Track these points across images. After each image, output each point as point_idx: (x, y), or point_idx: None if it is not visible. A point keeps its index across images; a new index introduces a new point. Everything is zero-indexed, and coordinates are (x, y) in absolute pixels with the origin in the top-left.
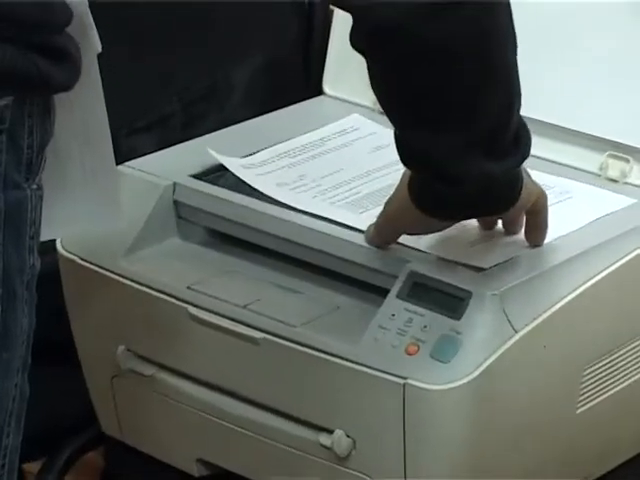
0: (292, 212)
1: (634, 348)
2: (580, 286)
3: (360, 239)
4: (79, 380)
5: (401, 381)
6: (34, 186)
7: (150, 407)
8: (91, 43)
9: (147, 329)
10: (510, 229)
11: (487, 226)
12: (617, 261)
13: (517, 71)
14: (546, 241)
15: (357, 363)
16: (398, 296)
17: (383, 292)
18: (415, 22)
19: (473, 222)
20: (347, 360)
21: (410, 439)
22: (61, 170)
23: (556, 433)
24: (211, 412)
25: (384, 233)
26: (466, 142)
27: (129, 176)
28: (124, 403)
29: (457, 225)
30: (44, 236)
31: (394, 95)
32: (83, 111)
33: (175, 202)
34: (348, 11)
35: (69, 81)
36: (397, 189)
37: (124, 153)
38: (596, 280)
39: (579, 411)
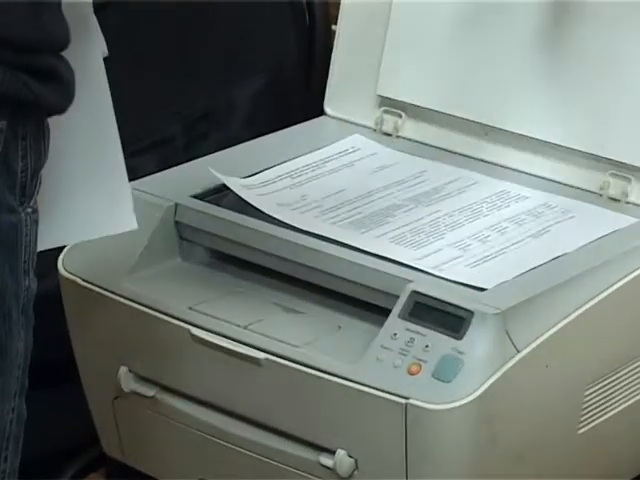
0: (294, 232)
1: (636, 368)
2: (582, 305)
3: (362, 259)
4: (81, 401)
5: (403, 401)
6: (29, 209)
7: (152, 428)
8: (96, 46)
9: (149, 350)
10: None
11: None
12: (619, 280)
13: None
14: (548, 260)
15: (359, 383)
16: (400, 316)
17: (385, 312)
18: None
19: (476, 242)
20: (349, 380)
21: (412, 459)
22: (71, 175)
23: (558, 453)
24: (213, 433)
25: None
26: None
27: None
28: (126, 424)
29: (459, 245)
30: (59, 243)
31: None
32: (91, 114)
33: (177, 223)
34: None
35: (63, 103)
36: None
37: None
38: (598, 299)
39: (581, 431)
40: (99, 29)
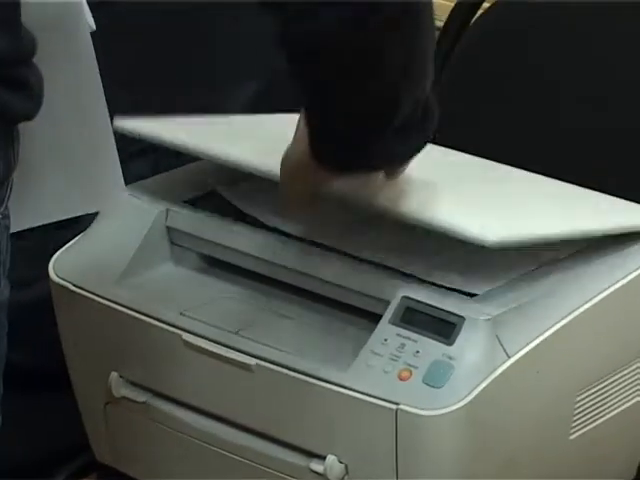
0: (284, 237)
1: (628, 374)
2: (573, 311)
3: (353, 264)
4: (73, 407)
5: (393, 407)
6: None
7: (143, 434)
8: (84, 20)
9: (140, 355)
10: (390, 177)
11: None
12: (610, 286)
13: (432, 57)
14: (539, 266)
15: (349, 389)
16: (390, 321)
17: (376, 317)
18: (339, 38)
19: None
20: (339, 386)
21: (403, 464)
22: (60, 149)
23: (549, 459)
24: (204, 438)
25: (291, 191)
26: (375, 131)
27: (122, 202)
28: (117, 430)
29: (449, 247)
30: (35, 222)
31: (314, 92)
32: (80, 89)
33: (168, 228)
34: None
35: (30, 110)
36: (293, 143)
37: None
38: (589, 305)
39: (572, 437)
40: (86, 5)
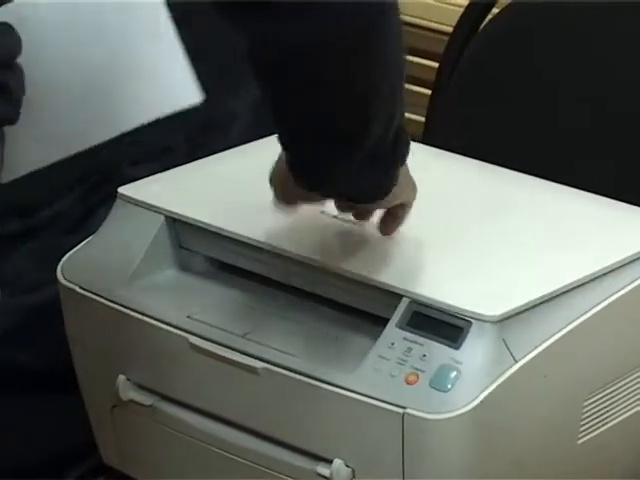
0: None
1: (636, 378)
2: (582, 315)
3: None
4: (80, 410)
5: (400, 410)
6: None
7: (150, 437)
8: None
9: (147, 358)
10: (359, 217)
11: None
12: (618, 291)
13: (402, 77)
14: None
15: (356, 392)
16: (397, 325)
17: (382, 321)
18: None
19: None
20: (346, 389)
21: (409, 469)
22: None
23: (557, 464)
24: (211, 441)
25: (281, 196)
26: (346, 154)
27: (130, 205)
28: (124, 433)
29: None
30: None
31: (281, 112)
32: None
33: (175, 231)
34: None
35: (10, 114)
36: (278, 160)
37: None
38: (597, 310)
39: (580, 441)
40: None
